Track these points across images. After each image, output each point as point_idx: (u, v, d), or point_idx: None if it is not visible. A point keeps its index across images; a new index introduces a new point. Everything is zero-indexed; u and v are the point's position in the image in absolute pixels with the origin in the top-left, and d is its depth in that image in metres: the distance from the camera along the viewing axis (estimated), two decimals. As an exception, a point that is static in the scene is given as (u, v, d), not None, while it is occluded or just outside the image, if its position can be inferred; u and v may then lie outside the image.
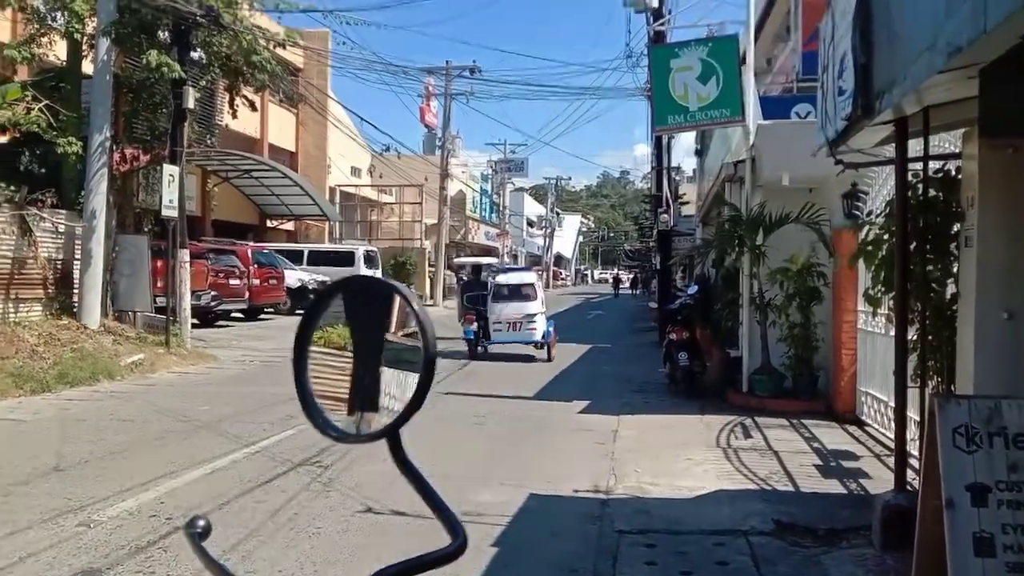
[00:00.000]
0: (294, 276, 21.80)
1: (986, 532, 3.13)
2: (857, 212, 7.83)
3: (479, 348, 14.41)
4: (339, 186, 31.51)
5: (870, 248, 5.55)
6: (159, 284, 14.36)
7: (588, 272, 79.20)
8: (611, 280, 59.02)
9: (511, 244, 55.04)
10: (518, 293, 14.50)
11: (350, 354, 1.09)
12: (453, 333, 15.14)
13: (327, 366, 1.11)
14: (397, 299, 1.08)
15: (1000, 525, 3.13)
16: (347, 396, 1.08)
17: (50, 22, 13.31)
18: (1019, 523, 3.12)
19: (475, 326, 14.25)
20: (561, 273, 70.79)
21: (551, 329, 14.60)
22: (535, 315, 14.21)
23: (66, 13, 12.72)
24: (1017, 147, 4.18)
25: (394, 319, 1.09)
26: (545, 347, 14.37)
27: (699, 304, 12.30)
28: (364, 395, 1.07)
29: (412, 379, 1.04)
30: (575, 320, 26.30)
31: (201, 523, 1.17)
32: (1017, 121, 4.10)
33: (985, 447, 3.25)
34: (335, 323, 1.12)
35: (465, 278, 18.21)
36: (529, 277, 15.72)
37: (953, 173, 5.02)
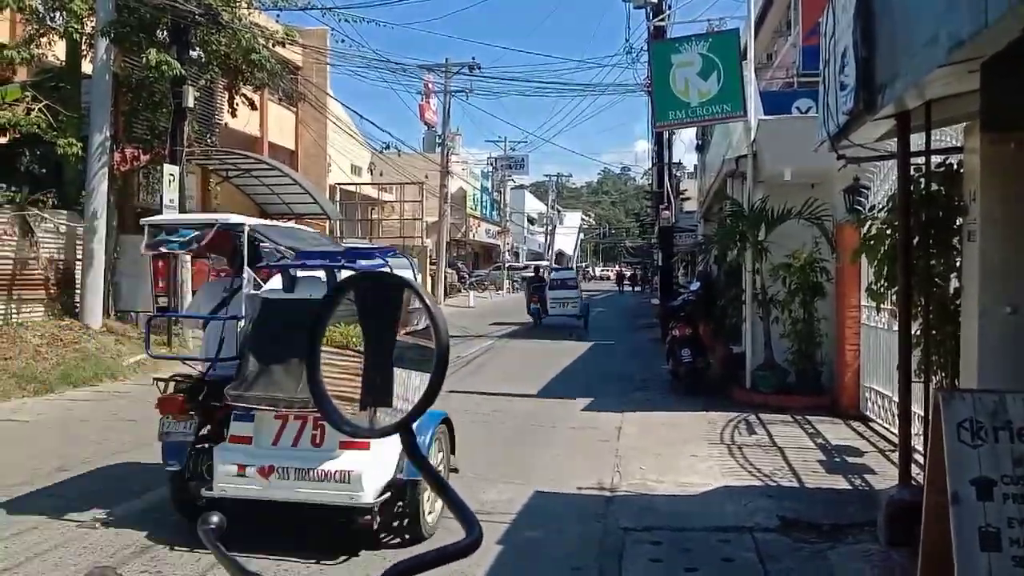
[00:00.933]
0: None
1: (992, 527, 3.12)
2: (859, 207, 7.81)
3: (539, 320, 21.06)
4: (339, 184, 31.42)
5: (872, 243, 5.55)
6: (160, 284, 14.28)
7: (589, 269, 79.15)
8: (615, 277, 58.85)
9: (512, 241, 54.90)
10: (565, 284, 22.00)
11: (360, 351, 1.09)
12: (458, 332, 17.69)
13: (339, 363, 1.11)
14: (407, 294, 1.08)
15: (1006, 519, 3.12)
16: (360, 392, 1.08)
17: (49, 22, 13.29)
18: (1025, 517, 3.12)
19: (537, 305, 21.23)
20: (562, 270, 70.28)
21: (587, 306, 21.78)
22: (576, 298, 21.33)
23: (65, 13, 12.69)
24: (1019, 141, 4.16)
25: (404, 315, 1.08)
26: (583, 319, 20.72)
27: (701, 300, 12.31)
28: (377, 390, 1.06)
29: (424, 374, 1.03)
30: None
31: (215, 519, 1.17)
32: (1019, 115, 4.09)
33: (990, 441, 3.24)
34: (347, 320, 1.12)
35: (529, 275, 27.63)
36: (572, 273, 24.15)
37: (955, 167, 5.01)
